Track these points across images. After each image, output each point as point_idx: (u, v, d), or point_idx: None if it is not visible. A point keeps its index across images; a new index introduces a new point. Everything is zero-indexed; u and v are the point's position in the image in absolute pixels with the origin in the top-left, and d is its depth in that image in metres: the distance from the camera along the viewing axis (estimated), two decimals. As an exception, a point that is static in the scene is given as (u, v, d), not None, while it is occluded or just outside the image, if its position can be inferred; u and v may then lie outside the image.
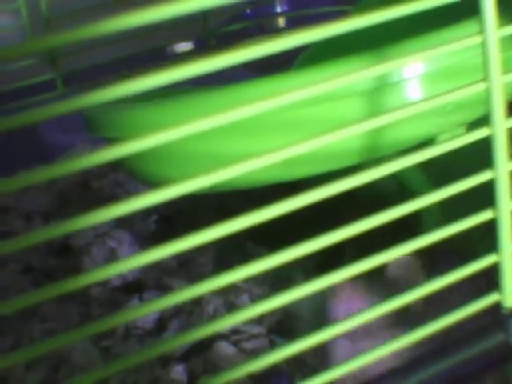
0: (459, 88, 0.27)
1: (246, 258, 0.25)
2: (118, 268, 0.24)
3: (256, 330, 0.36)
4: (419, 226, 0.45)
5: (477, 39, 0.26)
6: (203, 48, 0.71)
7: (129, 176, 0.47)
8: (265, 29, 0.72)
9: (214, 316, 0.37)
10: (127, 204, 0.23)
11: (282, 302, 0.26)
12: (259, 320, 0.37)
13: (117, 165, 0.49)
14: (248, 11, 0.74)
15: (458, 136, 0.28)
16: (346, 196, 0.48)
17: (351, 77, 0.25)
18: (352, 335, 0.35)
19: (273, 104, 0.24)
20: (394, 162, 0.26)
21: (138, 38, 0.66)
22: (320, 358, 0.35)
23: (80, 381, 0.24)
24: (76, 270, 0.42)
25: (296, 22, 0.70)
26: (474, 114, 0.36)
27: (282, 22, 0.75)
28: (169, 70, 0.22)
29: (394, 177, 0.49)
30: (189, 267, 0.43)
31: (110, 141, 0.40)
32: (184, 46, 0.75)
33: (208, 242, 0.24)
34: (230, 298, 0.38)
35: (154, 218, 0.50)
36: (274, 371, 0.34)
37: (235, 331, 0.36)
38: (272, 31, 0.73)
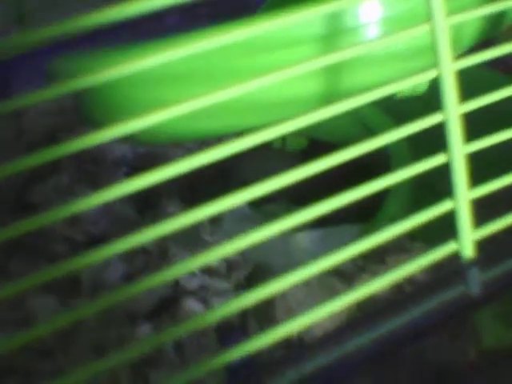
0: (404, 30, 0.26)
1: None
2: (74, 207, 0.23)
3: (224, 285, 0.36)
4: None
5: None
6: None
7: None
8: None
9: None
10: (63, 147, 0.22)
11: (247, 243, 0.25)
12: (227, 276, 0.36)
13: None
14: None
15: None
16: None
17: (306, 15, 0.24)
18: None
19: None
20: (352, 98, 0.25)
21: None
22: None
23: (43, 328, 0.23)
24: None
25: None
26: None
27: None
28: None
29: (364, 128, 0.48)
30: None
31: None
32: None
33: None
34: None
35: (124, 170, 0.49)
36: (225, 326, 0.33)
37: (202, 287, 0.35)
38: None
